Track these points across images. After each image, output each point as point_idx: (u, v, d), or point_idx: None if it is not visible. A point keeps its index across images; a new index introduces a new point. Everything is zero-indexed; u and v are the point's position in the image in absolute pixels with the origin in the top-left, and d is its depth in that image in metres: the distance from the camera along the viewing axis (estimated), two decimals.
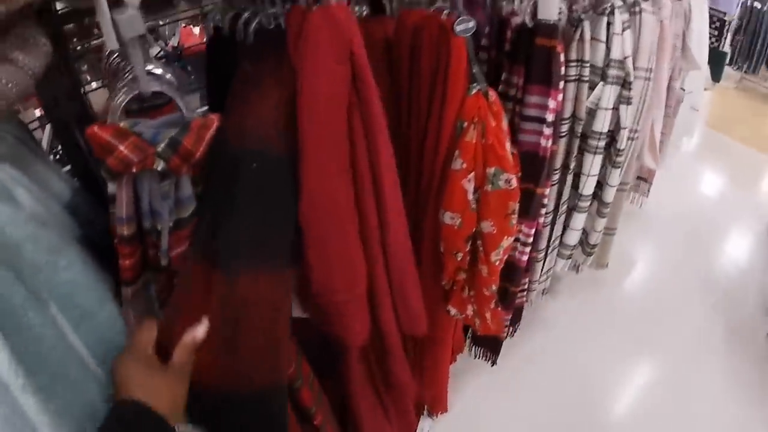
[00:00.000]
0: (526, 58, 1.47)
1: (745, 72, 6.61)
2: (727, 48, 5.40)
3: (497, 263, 1.44)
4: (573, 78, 1.65)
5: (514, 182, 1.28)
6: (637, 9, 1.87)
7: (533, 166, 1.57)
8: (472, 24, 1.19)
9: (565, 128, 1.72)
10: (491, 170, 1.24)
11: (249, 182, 0.89)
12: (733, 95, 6.59)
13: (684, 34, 2.71)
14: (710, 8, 4.51)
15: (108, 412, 0.70)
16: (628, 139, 2.09)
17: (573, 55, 1.61)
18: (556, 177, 1.81)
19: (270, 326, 0.95)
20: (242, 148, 0.89)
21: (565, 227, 2.12)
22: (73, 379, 0.72)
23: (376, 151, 1.09)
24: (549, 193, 1.82)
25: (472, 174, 1.26)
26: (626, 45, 1.72)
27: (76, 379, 0.73)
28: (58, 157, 1.76)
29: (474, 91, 1.22)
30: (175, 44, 3.01)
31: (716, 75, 4.99)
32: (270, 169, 0.91)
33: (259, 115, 0.90)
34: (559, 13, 1.48)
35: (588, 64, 1.64)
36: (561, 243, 2.19)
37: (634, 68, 1.94)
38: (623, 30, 1.70)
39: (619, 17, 1.68)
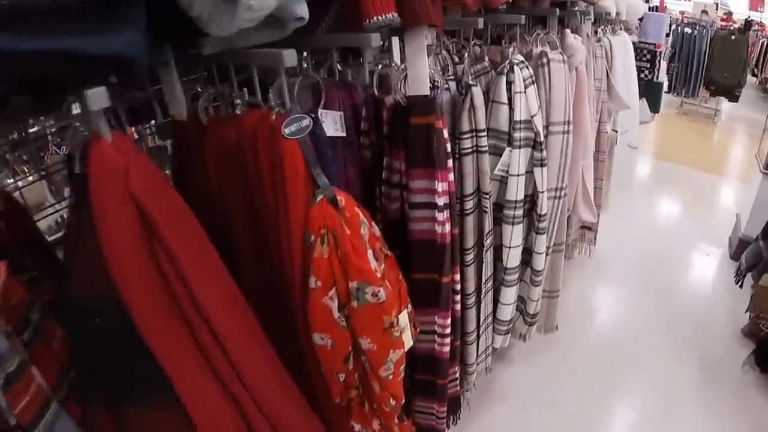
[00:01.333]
0: (404, 140, 1.24)
1: (685, 96, 6.61)
2: (663, 77, 5.31)
3: (390, 378, 1.16)
4: (469, 150, 1.41)
5: (383, 294, 1.01)
6: (544, 60, 1.66)
7: (432, 256, 1.32)
8: (306, 123, 0.94)
9: (470, 205, 1.47)
10: (354, 284, 0.98)
11: (98, 337, 0.90)
12: (675, 121, 6.56)
13: (607, 74, 2.52)
14: (640, 42, 4.45)
15: None
16: (554, 198, 1.85)
17: (465, 126, 1.38)
18: (470, 257, 1.54)
19: None
20: (82, 306, 0.88)
21: (496, 303, 1.85)
22: None
23: (195, 296, 0.90)
24: (465, 275, 1.55)
25: (333, 290, 0.99)
26: (531, 103, 1.49)
27: None
28: None
29: (319, 198, 0.96)
30: None
31: (655, 107, 4.87)
32: (110, 322, 0.89)
33: (88, 268, 0.87)
34: (434, 85, 1.26)
35: (484, 133, 1.40)
36: (495, 319, 1.91)
37: (549, 123, 1.72)
38: (526, 87, 1.48)
39: (519, 74, 1.46)
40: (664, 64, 5.39)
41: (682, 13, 7.00)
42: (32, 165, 1.58)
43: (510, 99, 1.46)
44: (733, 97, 6.30)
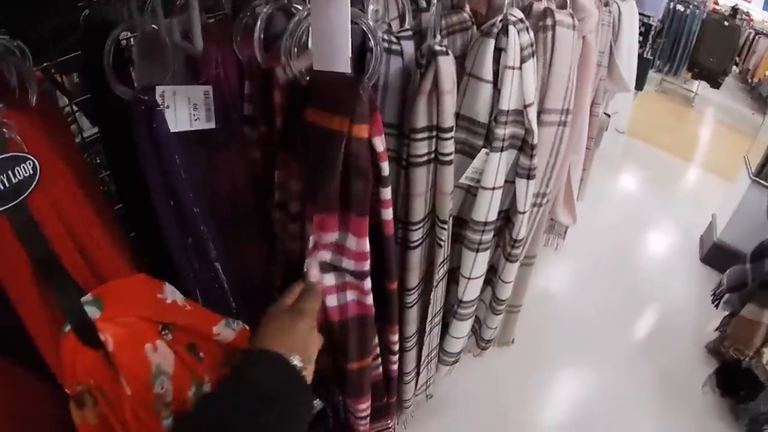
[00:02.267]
0: (304, 149, 0.72)
1: (666, 74, 6.21)
2: (648, 53, 4.87)
3: None
4: (423, 159, 0.89)
5: None
6: (548, 22, 1.14)
7: (356, 338, 0.87)
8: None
9: (417, 236, 0.98)
10: None
11: None
12: (653, 99, 6.16)
13: (611, 48, 2.03)
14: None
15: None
16: (533, 205, 1.38)
17: (420, 120, 0.85)
18: (411, 298, 1.07)
19: None
20: None
21: (444, 335, 1.40)
22: None
23: None
24: (405, 318, 1.09)
25: None
26: (527, 85, 0.98)
27: None
28: None
29: (66, 330, 0.51)
30: None
31: (640, 84, 4.42)
32: None
33: None
34: (365, 48, 0.71)
35: (449, 134, 0.87)
36: (441, 350, 1.47)
37: (543, 111, 1.22)
38: (523, 60, 0.97)
39: (515, 40, 0.94)
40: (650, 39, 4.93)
41: None
42: None
43: (497, 75, 0.95)
44: (716, 84, 5.93)
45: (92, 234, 0.71)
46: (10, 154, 0.58)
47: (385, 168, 0.74)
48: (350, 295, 0.84)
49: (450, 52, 0.84)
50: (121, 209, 1.01)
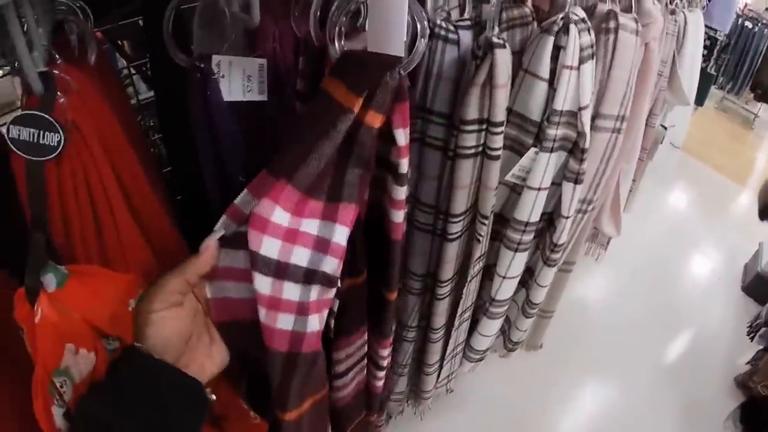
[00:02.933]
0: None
1: (728, 92, 5.94)
2: (712, 68, 4.66)
3: None
4: (470, 151, 0.87)
5: None
6: (611, 25, 1.10)
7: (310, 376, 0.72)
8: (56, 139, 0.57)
9: (456, 228, 0.95)
10: None
11: None
12: (712, 116, 5.91)
13: (674, 58, 1.95)
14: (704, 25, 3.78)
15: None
16: (578, 212, 1.35)
17: (472, 112, 0.83)
18: (444, 290, 1.05)
19: None
20: None
21: (472, 331, 1.39)
22: None
23: None
24: (434, 309, 1.08)
25: None
26: (584, 87, 0.95)
27: None
28: None
29: None
30: None
31: (701, 99, 4.24)
32: None
33: None
34: (420, 35, 0.65)
35: (500, 128, 0.85)
36: (468, 346, 1.45)
37: (598, 116, 1.19)
38: (581, 61, 0.93)
39: (576, 39, 0.91)
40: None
41: (745, 4, 6.20)
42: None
43: (553, 74, 0.93)
44: None
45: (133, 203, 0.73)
46: (50, 118, 0.60)
47: (404, 165, 0.69)
48: (312, 322, 0.65)
49: (508, 45, 0.81)
50: (169, 172, 1.03)
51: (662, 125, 2.23)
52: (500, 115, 0.82)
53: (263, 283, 0.60)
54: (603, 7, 1.13)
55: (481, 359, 1.54)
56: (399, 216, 0.74)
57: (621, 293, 2.85)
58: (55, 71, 0.62)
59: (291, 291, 0.63)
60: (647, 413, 2.21)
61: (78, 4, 0.74)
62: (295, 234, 0.62)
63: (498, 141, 0.85)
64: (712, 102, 5.96)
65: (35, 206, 0.62)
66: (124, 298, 0.66)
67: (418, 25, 0.65)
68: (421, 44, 0.65)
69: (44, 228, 0.63)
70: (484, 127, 0.84)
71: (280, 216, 0.61)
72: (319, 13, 0.70)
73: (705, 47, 4.08)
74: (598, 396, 2.28)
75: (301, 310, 0.64)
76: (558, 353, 2.31)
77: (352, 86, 0.60)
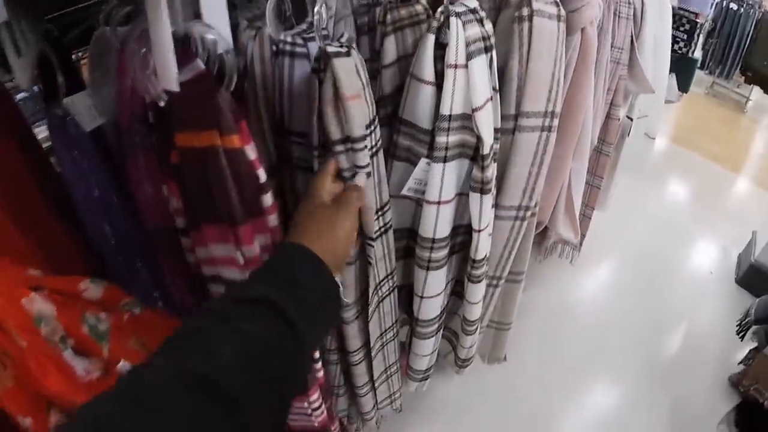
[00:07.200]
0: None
1: (717, 77, 5.75)
2: (698, 52, 4.48)
3: None
4: (346, 174, 0.74)
5: None
6: (524, 12, 0.97)
7: None
8: None
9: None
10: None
11: None
12: (702, 102, 5.72)
13: (632, 44, 1.80)
14: (680, 8, 3.63)
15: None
16: (514, 219, 1.21)
17: (334, 132, 0.70)
18: (349, 314, 0.92)
19: None
20: None
21: (409, 352, 1.25)
22: None
23: None
24: (345, 333, 0.95)
25: None
26: (476, 86, 0.82)
27: None
28: None
29: None
30: None
31: (685, 85, 4.09)
32: None
33: None
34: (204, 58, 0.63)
35: (362, 143, 0.71)
36: (409, 366, 1.32)
37: (521, 115, 1.05)
38: (469, 57, 0.80)
39: (460, 34, 0.78)
40: (701, 39, 4.55)
41: None
42: None
43: (441, 76, 0.80)
44: None
45: None
46: None
47: (262, 174, 0.67)
48: None
49: (354, 51, 0.69)
50: None
51: (628, 116, 2.08)
52: (357, 129, 0.69)
53: None
54: None
55: (425, 378, 1.41)
56: (273, 220, 0.74)
57: (611, 292, 2.71)
58: None
59: None
60: (639, 414, 2.09)
61: None
62: None
63: (363, 158, 0.72)
64: (702, 88, 5.78)
65: None
66: (22, 268, 0.69)
67: (218, 42, 0.63)
68: (228, 59, 0.63)
69: None
70: (348, 145, 0.71)
71: None
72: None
73: (685, 31, 3.92)
74: (586, 399, 2.15)
75: None
76: (547, 353, 2.24)
77: (203, 127, 0.61)
